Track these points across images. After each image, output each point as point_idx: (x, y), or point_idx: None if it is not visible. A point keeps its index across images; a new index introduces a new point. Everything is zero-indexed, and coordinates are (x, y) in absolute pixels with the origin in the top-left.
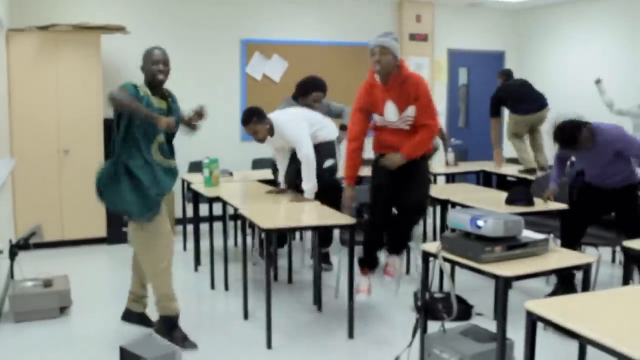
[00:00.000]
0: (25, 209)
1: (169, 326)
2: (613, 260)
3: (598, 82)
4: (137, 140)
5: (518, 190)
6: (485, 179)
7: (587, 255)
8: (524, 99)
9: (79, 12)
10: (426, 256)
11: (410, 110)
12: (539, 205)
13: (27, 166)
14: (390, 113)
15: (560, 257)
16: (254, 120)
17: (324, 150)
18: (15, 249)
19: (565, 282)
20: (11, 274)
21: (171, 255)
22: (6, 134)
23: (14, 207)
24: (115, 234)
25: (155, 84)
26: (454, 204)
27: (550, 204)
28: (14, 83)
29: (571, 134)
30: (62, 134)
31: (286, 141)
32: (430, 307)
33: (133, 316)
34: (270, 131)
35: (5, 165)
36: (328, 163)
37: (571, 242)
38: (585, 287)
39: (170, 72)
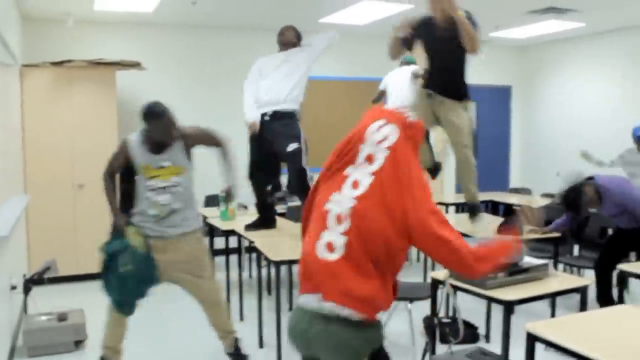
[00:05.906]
0: (39, 243)
1: None
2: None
3: (584, 154)
4: None
5: (509, 220)
6: (493, 209)
7: (583, 278)
8: None
9: (94, 49)
10: (435, 283)
11: None
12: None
13: (42, 201)
14: None
15: (560, 280)
16: None
17: None
18: (30, 283)
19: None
20: (25, 309)
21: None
22: (20, 169)
23: (28, 241)
24: None
25: (158, 145)
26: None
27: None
28: (28, 118)
29: (574, 201)
30: (76, 168)
31: None
32: (439, 331)
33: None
34: None
35: (18, 204)
36: None
37: (603, 275)
38: (583, 307)
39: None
